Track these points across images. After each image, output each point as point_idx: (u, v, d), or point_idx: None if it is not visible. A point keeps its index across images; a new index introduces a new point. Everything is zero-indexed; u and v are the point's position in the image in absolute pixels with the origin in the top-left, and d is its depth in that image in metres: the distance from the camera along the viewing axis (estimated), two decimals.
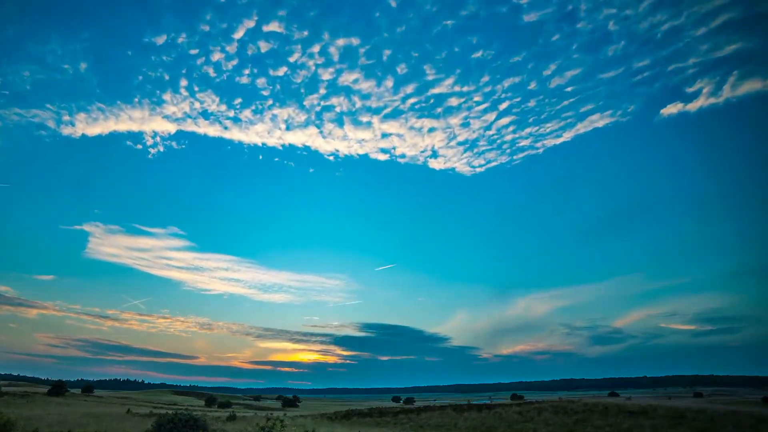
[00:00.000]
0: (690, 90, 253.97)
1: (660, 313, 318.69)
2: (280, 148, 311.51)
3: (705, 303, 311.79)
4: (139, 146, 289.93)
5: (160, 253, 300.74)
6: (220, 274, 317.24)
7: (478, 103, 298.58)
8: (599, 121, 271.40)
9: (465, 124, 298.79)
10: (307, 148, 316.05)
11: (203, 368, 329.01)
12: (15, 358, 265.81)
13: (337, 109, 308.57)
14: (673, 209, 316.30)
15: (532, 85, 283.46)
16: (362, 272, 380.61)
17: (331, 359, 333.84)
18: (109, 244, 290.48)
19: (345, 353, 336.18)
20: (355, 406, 63.32)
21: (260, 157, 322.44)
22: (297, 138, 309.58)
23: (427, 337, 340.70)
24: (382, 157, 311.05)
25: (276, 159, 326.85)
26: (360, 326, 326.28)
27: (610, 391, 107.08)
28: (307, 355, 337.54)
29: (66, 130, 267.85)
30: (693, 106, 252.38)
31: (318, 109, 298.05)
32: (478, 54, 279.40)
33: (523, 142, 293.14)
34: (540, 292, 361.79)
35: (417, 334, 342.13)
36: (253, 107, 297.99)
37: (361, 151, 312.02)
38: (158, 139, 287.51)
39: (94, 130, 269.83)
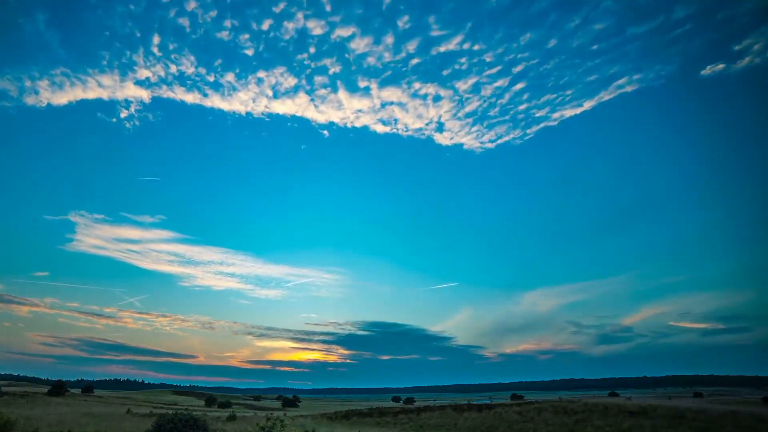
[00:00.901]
0: (737, 48, 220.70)
1: (671, 311, 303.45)
2: (267, 119, 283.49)
3: (720, 300, 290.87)
4: (114, 119, 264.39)
5: (151, 246, 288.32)
6: (214, 268, 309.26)
7: (491, 65, 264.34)
8: (627, 86, 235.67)
9: (474, 90, 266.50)
10: (297, 118, 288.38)
11: (201, 368, 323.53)
12: (11, 357, 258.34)
13: (331, 71, 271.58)
14: (701, 197, 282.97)
15: (552, 43, 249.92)
16: (361, 267, 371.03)
17: (330, 359, 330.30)
18: (96, 236, 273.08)
19: (345, 353, 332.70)
20: (355, 406, 63.33)
21: (246, 131, 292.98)
22: (286, 107, 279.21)
23: (429, 336, 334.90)
24: (382, 129, 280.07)
25: (263, 133, 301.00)
26: (359, 324, 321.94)
27: (611, 391, 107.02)
28: (307, 354, 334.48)
29: (29, 99, 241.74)
30: (738, 66, 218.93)
31: (308, 71, 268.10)
32: (492, 2, 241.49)
33: (539, 113, 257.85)
34: (548, 287, 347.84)
35: (418, 332, 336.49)
36: (237, 70, 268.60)
37: (358, 123, 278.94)
38: (133, 110, 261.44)
39: (61, 98, 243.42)
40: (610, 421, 26.08)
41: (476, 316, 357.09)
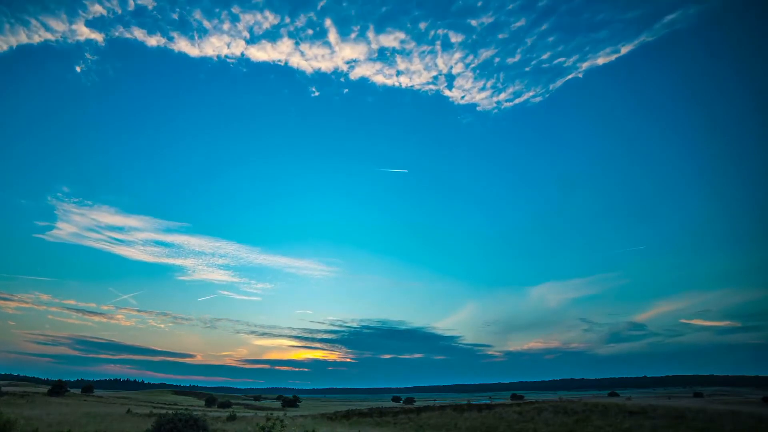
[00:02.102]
0: None
1: (686, 307, 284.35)
2: (246, 69, 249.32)
3: (738, 297, 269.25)
4: (69, 71, 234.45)
5: (135, 236, 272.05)
6: (206, 260, 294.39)
7: None
8: (680, 22, 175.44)
9: (489, 33, 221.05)
10: (280, 67, 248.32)
11: (199, 367, 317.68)
12: (4, 357, 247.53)
13: (319, 6, 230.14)
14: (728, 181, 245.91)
15: None
16: (359, 260, 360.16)
17: (330, 357, 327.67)
18: (75, 224, 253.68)
19: (345, 352, 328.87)
20: (355, 406, 63.34)
21: (219, 79, 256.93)
22: (267, 54, 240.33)
23: (431, 334, 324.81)
24: (380, 79, 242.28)
25: (241, 85, 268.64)
26: (359, 322, 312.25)
27: (611, 390, 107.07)
28: (306, 353, 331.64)
29: None
30: None
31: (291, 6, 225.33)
32: None
33: (568, 61, 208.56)
34: (558, 282, 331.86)
35: (420, 331, 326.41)
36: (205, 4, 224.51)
37: (353, 76, 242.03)
38: (88, 57, 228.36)
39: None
40: (610, 421, 26.09)
41: (481, 313, 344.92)
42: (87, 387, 66.71)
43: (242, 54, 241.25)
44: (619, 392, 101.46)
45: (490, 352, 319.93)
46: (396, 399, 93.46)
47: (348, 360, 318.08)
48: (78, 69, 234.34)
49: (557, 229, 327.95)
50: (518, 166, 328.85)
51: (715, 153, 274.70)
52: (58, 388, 50.15)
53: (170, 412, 21.99)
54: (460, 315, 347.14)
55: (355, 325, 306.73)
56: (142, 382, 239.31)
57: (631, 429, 24.23)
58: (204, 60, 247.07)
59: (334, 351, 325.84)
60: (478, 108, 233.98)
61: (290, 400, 75.40)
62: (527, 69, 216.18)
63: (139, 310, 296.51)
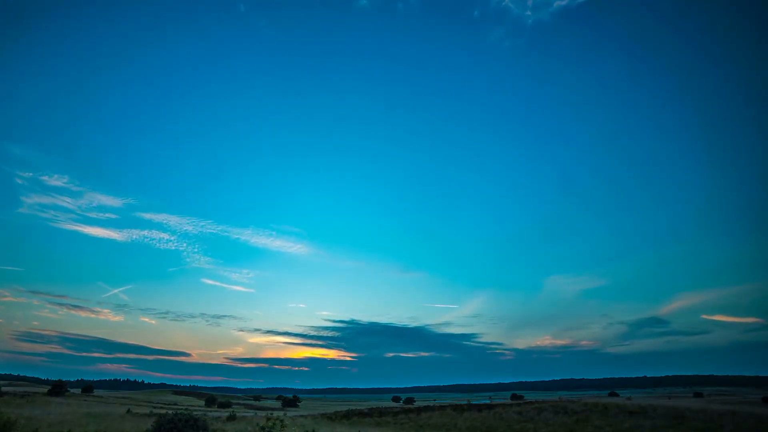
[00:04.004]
0: None
1: (708, 300, 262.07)
2: None
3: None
4: None
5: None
6: (191, 245, 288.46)
7: None
8: None
9: None
10: None
11: (196, 366, 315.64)
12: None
13: None
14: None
15: None
16: (357, 255, 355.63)
17: (329, 355, 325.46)
18: (46, 197, 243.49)
19: (345, 351, 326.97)
20: (355, 405, 63.34)
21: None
22: None
23: (432, 332, 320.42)
24: None
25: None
26: (360, 320, 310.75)
27: (611, 391, 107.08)
28: (305, 352, 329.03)
29: None
30: None
31: None
32: None
33: None
34: (569, 275, 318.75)
35: (421, 329, 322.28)
36: None
37: None
38: None
39: None
40: (610, 421, 26.10)
41: (486, 305, 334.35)
42: (87, 387, 66.74)
43: None
44: (619, 392, 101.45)
45: (498, 350, 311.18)
46: (396, 399, 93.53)
47: (347, 358, 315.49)
48: None
49: (570, 220, 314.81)
50: (520, 167, 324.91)
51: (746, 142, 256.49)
52: (59, 388, 50.14)
53: (170, 412, 21.99)
54: (466, 309, 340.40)
55: (353, 321, 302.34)
56: (142, 382, 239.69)
57: (631, 429, 24.23)
58: None
59: (333, 349, 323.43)
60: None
61: (290, 400, 75.43)
62: None
63: (128, 307, 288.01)
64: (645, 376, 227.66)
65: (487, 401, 53.11)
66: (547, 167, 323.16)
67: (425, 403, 56.67)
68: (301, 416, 38.49)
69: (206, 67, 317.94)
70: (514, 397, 72.02)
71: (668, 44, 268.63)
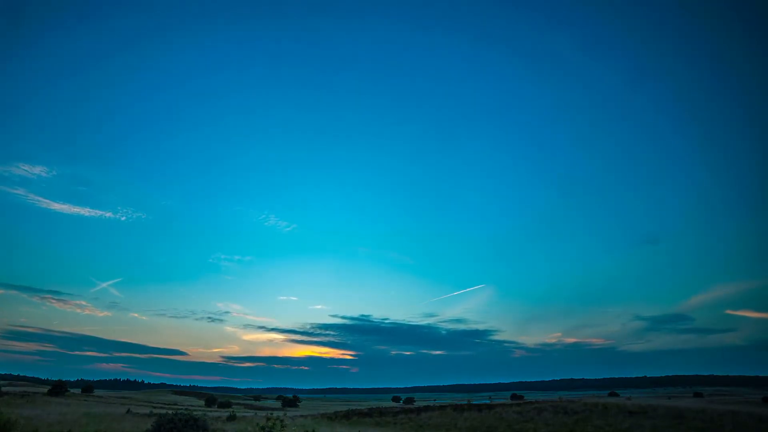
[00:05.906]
0: None
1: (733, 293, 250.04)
2: None
3: None
4: None
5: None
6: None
7: None
8: None
9: None
10: None
11: (195, 365, 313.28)
12: None
13: None
14: None
15: None
16: (353, 251, 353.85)
17: (329, 354, 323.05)
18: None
19: (345, 351, 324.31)
20: (355, 405, 63.34)
21: None
22: None
23: (433, 331, 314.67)
24: None
25: None
26: (359, 318, 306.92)
27: (611, 391, 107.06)
28: (303, 350, 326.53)
29: None
30: None
31: None
32: None
33: None
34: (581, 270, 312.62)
35: (423, 328, 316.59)
36: None
37: None
38: None
39: None
40: (610, 421, 26.09)
41: (492, 299, 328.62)
42: (87, 387, 66.72)
43: None
44: (619, 392, 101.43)
45: (510, 347, 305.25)
46: (396, 399, 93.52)
47: (348, 357, 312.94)
48: None
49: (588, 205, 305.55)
50: (520, 170, 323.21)
51: None
52: (58, 388, 50.12)
53: (170, 412, 21.98)
54: (470, 303, 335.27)
55: (353, 320, 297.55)
56: (142, 381, 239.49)
57: (631, 429, 24.23)
58: None
59: (332, 348, 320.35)
60: None
61: (290, 400, 75.42)
62: None
63: (118, 302, 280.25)
64: (645, 376, 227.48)
65: (487, 401, 53.11)
66: (546, 164, 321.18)
67: (425, 403, 56.67)
68: (301, 416, 38.50)
69: (200, 64, 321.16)
70: (514, 397, 71.99)
71: (668, 44, 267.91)
